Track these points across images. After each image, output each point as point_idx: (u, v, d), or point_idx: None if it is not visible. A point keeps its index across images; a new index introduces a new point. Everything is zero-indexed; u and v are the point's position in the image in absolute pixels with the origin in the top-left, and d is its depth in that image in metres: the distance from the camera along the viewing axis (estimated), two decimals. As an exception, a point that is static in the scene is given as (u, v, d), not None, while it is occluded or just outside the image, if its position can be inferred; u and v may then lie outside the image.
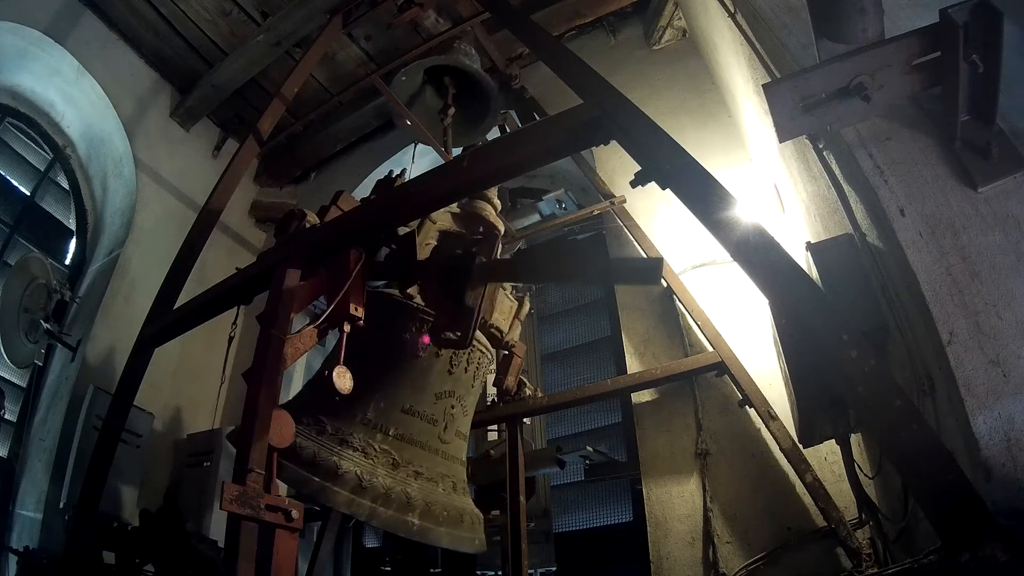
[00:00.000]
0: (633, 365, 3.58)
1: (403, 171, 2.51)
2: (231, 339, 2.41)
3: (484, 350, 2.52)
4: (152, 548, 2.94)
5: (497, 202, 2.70)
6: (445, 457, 2.29)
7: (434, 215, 2.41)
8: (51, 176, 4.56)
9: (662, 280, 3.36)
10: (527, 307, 2.74)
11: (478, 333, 2.38)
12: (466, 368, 2.37)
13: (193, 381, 4.43)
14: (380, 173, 5.46)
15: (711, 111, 3.98)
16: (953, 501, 1.10)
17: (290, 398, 2.38)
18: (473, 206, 2.62)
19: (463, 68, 3.33)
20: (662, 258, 3.29)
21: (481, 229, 2.51)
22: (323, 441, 2.00)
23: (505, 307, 2.59)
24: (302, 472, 1.91)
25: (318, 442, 1.99)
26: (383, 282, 2.50)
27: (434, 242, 2.42)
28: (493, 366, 2.82)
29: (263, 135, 3.37)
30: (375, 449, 2.06)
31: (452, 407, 2.31)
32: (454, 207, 2.55)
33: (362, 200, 2.46)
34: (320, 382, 1.91)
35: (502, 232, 2.58)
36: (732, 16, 2.80)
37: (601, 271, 2.45)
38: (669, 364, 3.23)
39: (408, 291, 2.35)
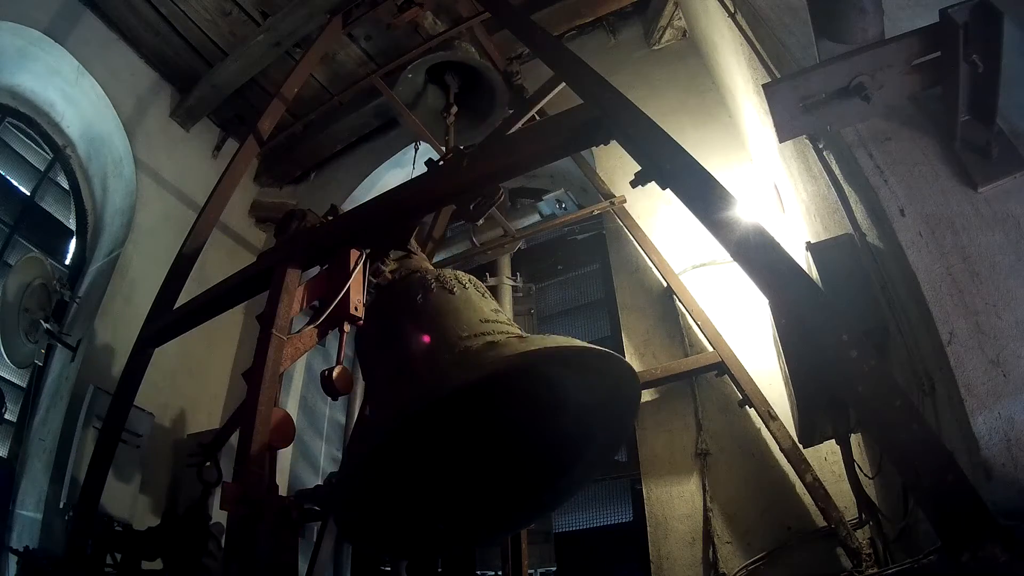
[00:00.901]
0: (633, 365, 3.55)
1: (332, 207, 2.50)
2: None
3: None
4: (168, 548, 2.91)
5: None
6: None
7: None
8: (51, 176, 4.56)
9: (662, 269, 3.36)
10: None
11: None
12: (483, 295, 2.35)
13: (193, 381, 4.43)
14: (380, 173, 5.49)
15: (711, 111, 3.98)
16: (953, 501, 1.10)
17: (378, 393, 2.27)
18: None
19: (468, 63, 3.32)
20: None
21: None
22: (456, 354, 1.91)
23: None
24: (467, 360, 1.83)
25: (448, 359, 1.90)
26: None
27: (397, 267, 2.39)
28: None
29: (263, 135, 3.37)
30: (488, 342, 2.00)
31: (508, 321, 2.29)
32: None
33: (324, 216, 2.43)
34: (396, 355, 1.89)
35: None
36: (732, 16, 2.81)
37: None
38: (669, 364, 3.23)
39: (410, 248, 2.33)
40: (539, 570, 3.64)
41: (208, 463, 3.35)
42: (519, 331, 2.15)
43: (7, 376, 3.89)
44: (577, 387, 2.13)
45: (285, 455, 4.48)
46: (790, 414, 2.52)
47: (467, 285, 2.22)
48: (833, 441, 2.39)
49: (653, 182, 1.70)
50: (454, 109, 3.39)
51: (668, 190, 1.66)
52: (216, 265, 4.19)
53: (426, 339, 1.97)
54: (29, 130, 4.47)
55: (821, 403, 2.16)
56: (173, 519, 3.06)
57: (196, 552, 2.84)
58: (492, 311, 2.18)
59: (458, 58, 3.33)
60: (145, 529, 3.00)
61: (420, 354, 1.96)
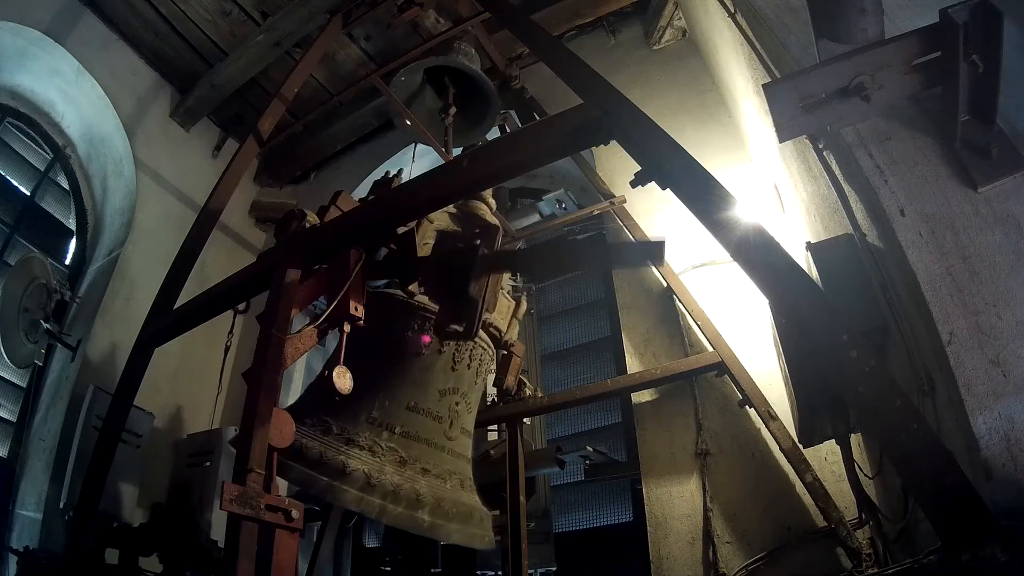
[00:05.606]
0: (633, 365, 3.58)
1: (399, 171, 2.51)
2: (227, 348, 2.41)
3: (485, 347, 2.51)
4: (161, 541, 2.92)
5: (492, 201, 2.71)
6: (451, 454, 2.27)
7: (432, 215, 2.41)
8: (51, 176, 4.56)
9: (662, 269, 3.36)
10: (524, 306, 2.74)
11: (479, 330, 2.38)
12: (468, 364, 2.36)
13: (193, 381, 4.43)
14: (380, 173, 5.43)
15: (711, 111, 3.98)
16: (953, 501, 1.10)
17: (292, 402, 2.38)
18: (469, 206, 2.62)
19: (462, 69, 3.33)
20: (663, 240, 3.24)
21: (478, 228, 2.51)
22: (329, 441, 1.99)
23: (503, 307, 2.58)
24: (308, 472, 1.90)
25: (324, 442, 1.98)
26: (384, 282, 2.51)
27: (432, 241, 2.42)
28: (494, 364, 2.82)
29: (263, 135, 3.37)
30: (382, 447, 2.04)
31: (456, 404, 2.30)
32: (451, 207, 2.55)
33: (360, 200, 2.46)
34: (322, 383, 1.91)
35: (500, 229, 2.58)
36: (732, 16, 2.81)
37: (602, 259, 2.42)
38: (669, 364, 3.23)
39: (409, 289, 2.35)
40: (539, 570, 3.63)
41: (207, 463, 3.38)
42: (443, 436, 2.21)
43: (7, 376, 3.89)
44: None
45: (285, 455, 4.46)
46: (790, 414, 2.52)
47: (443, 348, 2.25)
48: (833, 441, 2.39)
49: (653, 182, 1.70)
50: (452, 110, 3.39)
51: (668, 190, 1.66)
52: (216, 265, 4.19)
53: (359, 397, 2.01)
54: (29, 130, 4.47)
55: (821, 403, 2.15)
56: (161, 513, 3.07)
57: (189, 545, 2.85)
58: (439, 392, 2.22)
59: (451, 63, 3.32)
60: (138, 525, 3.01)
61: (349, 404, 2.01)
